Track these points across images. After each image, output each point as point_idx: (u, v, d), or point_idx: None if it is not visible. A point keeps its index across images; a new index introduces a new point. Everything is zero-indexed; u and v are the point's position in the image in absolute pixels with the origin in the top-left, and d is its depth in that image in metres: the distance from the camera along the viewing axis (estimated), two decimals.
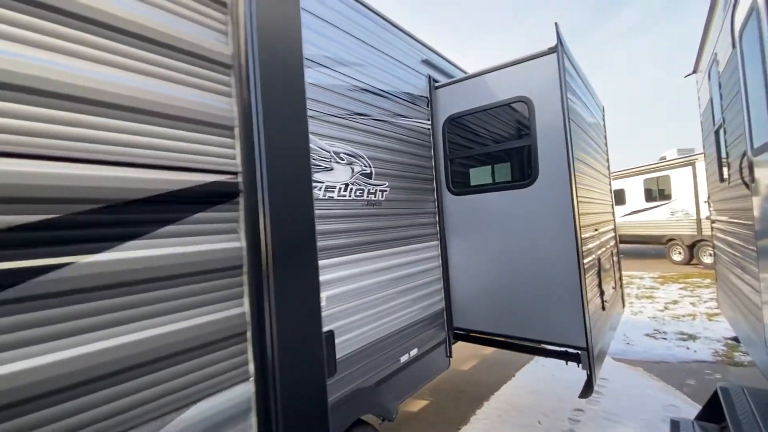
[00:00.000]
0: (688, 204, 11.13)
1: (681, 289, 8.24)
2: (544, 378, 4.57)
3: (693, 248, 11.17)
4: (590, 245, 2.98)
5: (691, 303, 7.06)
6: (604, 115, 4.76)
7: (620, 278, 4.68)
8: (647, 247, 15.09)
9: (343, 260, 2.22)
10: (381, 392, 2.42)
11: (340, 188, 2.24)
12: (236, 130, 1.40)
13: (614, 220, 4.80)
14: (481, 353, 5.43)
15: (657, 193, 12.31)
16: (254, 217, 1.39)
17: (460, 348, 5.42)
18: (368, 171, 2.48)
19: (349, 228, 2.29)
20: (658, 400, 3.92)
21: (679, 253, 11.69)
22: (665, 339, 5.43)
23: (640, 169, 12.91)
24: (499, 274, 3.06)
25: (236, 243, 1.38)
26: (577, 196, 2.65)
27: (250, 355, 1.40)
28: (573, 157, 2.66)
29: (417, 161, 3.03)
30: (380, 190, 2.57)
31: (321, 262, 2.07)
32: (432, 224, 3.16)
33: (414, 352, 2.76)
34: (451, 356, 3.26)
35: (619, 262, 4.68)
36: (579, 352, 2.70)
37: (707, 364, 4.60)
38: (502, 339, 3.19)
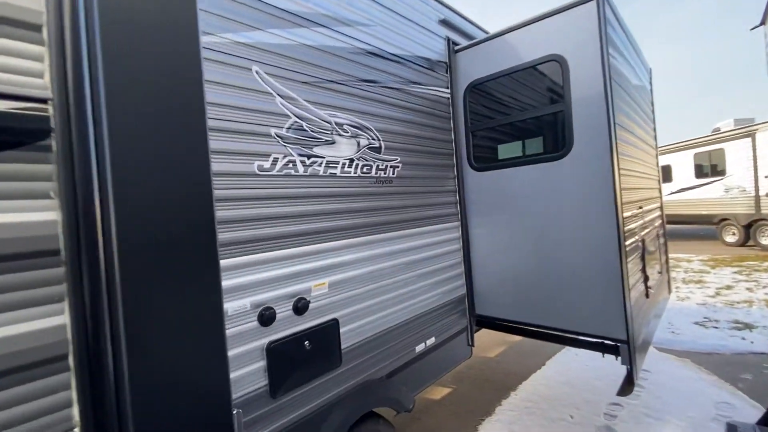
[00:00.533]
0: (746, 180, 10.10)
1: (735, 273, 7.51)
2: (577, 368, 4.27)
3: (749, 228, 10.18)
4: (633, 225, 2.62)
5: (748, 288, 6.40)
6: (651, 79, 4.22)
7: (666, 261, 4.23)
8: (695, 228, 13.98)
9: (347, 243, 2.03)
10: (394, 384, 2.25)
11: (343, 164, 2.02)
12: (46, 31, 0.86)
13: (661, 197, 4.31)
14: (509, 340, 5.16)
15: (709, 168, 11.27)
16: (78, 173, 0.87)
17: (485, 334, 5.18)
18: (377, 145, 2.24)
19: (354, 208, 2.08)
20: (708, 395, 3.53)
21: (733, 233, 10.71)
22: (717, 328, 4.93)
23: (690, 143, 11.82)
24: (526, 258, 2.77)
25: (45, 215, 0.87)
26: (618, 169, 2.29)
27: (74, 393, 0.91)
28: (615, 122, 2.29)
29: (434, 134, 2.75)
30: (391, 167, 2.33)
31: (322, 245, 1.89)
32: (451, 204, 2.90)
33: (431, 341, 2.56)
34: (473, 345, 3.04)
35: (665, 244, 4.22)
36: (618, 344, 2.39)
37: (767, 356, 4.11)
38: (529, 328, 2.92)
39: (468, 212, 3.02)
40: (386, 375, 2.22)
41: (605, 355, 2.65)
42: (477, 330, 3.19)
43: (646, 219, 3.21)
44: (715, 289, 6.52)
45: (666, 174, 12.20)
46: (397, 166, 2.37)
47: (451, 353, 2.81)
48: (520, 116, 2.79)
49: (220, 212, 1.49)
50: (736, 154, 10.41)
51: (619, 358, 2.42)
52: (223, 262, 1.50)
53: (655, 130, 4.35)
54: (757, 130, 9.89)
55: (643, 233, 2.90)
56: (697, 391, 3.61)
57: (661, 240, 3.95)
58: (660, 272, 3.64)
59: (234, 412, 1.51)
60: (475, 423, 3.35)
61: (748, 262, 8.47)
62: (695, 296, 6.24)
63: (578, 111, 2.43)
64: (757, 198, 9.85)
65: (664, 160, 12.12)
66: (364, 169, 2.14)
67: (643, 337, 2.65)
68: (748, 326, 4.86)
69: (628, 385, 2.36)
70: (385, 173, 2.28)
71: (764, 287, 6.37)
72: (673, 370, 4.00)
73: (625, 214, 2.36)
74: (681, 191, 12.03)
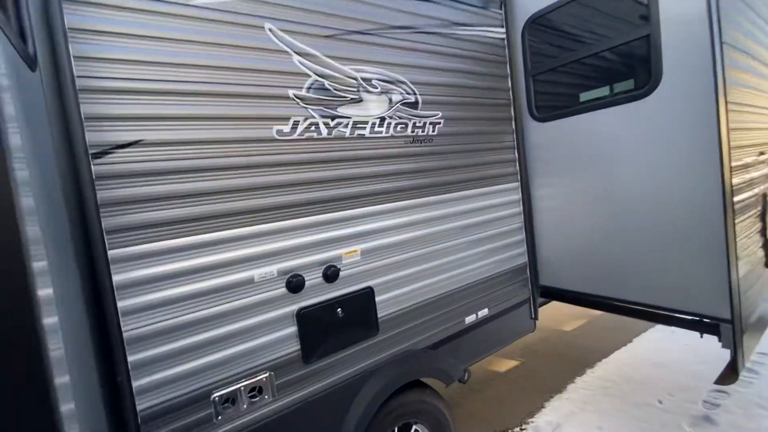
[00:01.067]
0: None
1: None
2: (672, 348, 3.69)
3: None
4: (748, 177, 2.04)
5: None
6: None
7: None
8: None
9: (380, 209, 1.90)
10: (439, 355, 2.14)
11: (373, 123, 1.87)
12: None
13: None
14: (591, 314, 4.66)
15: None
16: None
17: (562, 307, 4.79)
18: (412, 100, 2.03)
19: (387, 171, 1.93)
20: None
21: None
22: None
23: None
24: (601, 221, 2.36)
25: None
26: (726, 103, 1.77)
27: None
28: (722, 42, 1.75)
29: (486, 82, 2.41)
30: (431, 123, 2.11)
31: (351, 212, 1.80)
32: (509, 162, 2.57)
33: (483, 312, 2.37)
34: (536, 318, 2.76)
35: None
36: (719, 323, 1.94)
37: None
38: (607, 302, 2.54)
39: (530, 171, 2.66)
40: (431, 345, 2.12)
41: (704, 335, 2.20)
42: (544, 303, 2.88)
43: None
44: None
45: None
46: (439, 123, 2.14)
47: (510, 325, 2.58)
48: (591, 50, 2.29)
49: (237, 180, 1.48)
50: None
51: (721, 340, 1.97)
52: (246, 230, 1.50)
53: None
54: None
55: (764, 186, 2.26)
56: None
57: None
58: None
59: (266, 374, 1.55)
60: (543, 399, 3.11)
61: None
62: None
63: (669, 32, 1.90)
64: None
65: None
66: (398, 128, 1.96)
67: (758, 315, 2.12)
68: None
69: (730, 373, 1.92)
70: (423, 131, 2.07)
71: None
72: None
73: (736, 163, 1.84)
74: None
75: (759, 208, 2.17)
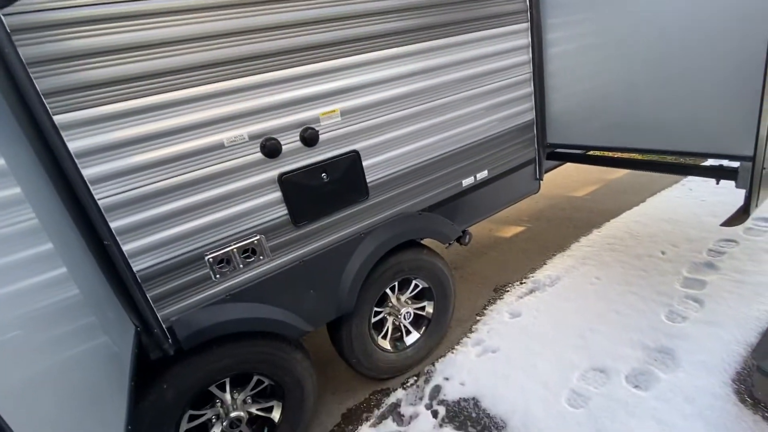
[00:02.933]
0: None
1: None
2: (687, 204, 3.60)
3: None
4: None
5: None
6: None
7: None
8: None
9: (359, 60, 1.67)
10: (433, 217, 2.13)
11: None
12: None
13: None
14: (605, 177, 4.52)
15: None
16: None
17: (576, 172, 4.67)
18: None
19: (365, 10, 1.63)
20: None
21: None
22: None
23: None
24: (624, 64, 2.05)
25: None
26: None
27: None
28: None
29: None
30: None
31: (323, 64, 1.58)
32: None
33: (482, 174, 2.27)
34: (541, 179, 2.66)
35: None
36: (738, 164, 1.78)
37: None
38: (624, 156, 2.37)
39: (543, 6, 2.24)
40: (426, 208, 2.10)
41: (720, 182, 2.07)
42: (554, 167, 2.75)
43: None
44: None
45: None
46: None
47: (511, 187, 2.51)
48: None
49: (183, 27, 1.27)
50: None
51: (737, 182, 1.84)
52: (203, 89, 1.36)
53: None
54: None
55: None
56: None
57: None
58: None
59: (256, 237, 1.59)
60: (545, 258, 3.22)
61: None
62: None
63: None
64: None
65: None
66: None
67: None
68: None
69: (741, 215, 1.83)
70: None
71: None
72: None
73: None
74: None
75: None
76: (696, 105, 1.86)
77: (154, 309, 1.42)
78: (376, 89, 1.75)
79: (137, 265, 1.37)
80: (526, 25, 2.23)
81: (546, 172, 2.74)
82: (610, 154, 2.89)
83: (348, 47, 1.63)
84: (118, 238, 1.31)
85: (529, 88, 2.36)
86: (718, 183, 2.09)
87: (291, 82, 1.53)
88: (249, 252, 1.59)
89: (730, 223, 1.87)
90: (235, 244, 1.55)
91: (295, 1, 1.46)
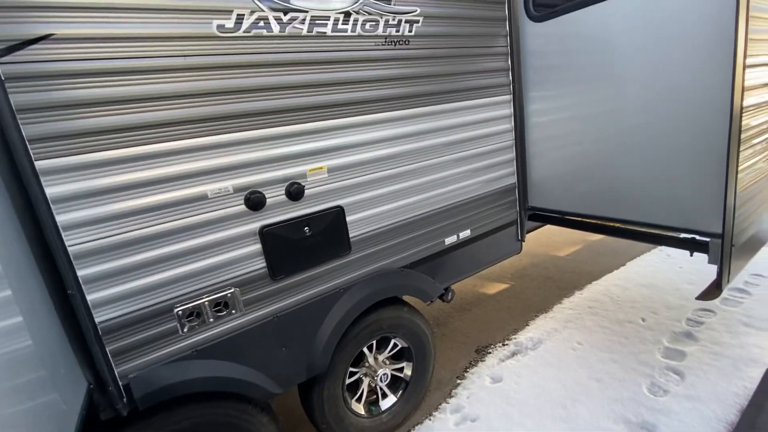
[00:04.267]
0: None
1: None
2: (665, 270, 3.68)
3: None
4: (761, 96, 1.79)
5: None
6: None
7: None
8: None
9: (348, 122, 1.74)
10: (414, 274, 2.12)
11: (336, 20, 1.63)
12: None
13: None
14: (587, 239, 4.63)
15: None
16: None
17: (556, 231, 4.74)
18: None
19: (355, 78, 1.73)
20: None
21: None
22: None
23: None
24: (597, 137, 2.18)
25: None
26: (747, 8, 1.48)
27: None
28: None
29: None
30: (407, 21, 1.84)
31: (313, 125, 1.64)
32: (500, 71, 2.31)
33: (465, 233, 2.30)
34: (523, 240, 2.70)
35: None
36: (708, 240, 1.85)
37: None
38: (600, 222, 2.44)
39: (525, 81, 2.41)
40: (407, 265, 2.09)
41: (694, 254, 2.13)
42: (536, 228, 2.81)
43: None
44: None
45: None
46: (416, 21, 1.88)
47: (494, 247, 2.53)
48: None
49: (174, 84, 1.32)
50: None
51: (709, 256, 1.89)
52: (188, 142, 1.38)
53: None
54: None
55: None
56: None
57: None
58: None
59: (230, 290, 1.54)
60: (527, 318, 3.19)
61: None
62: None
63: None
64: None
65: None
66: (367, 26, 1.72)
67: (752, 233, 2.01)
68: None
69: (714, 289, 1.87)
70: (398, 30, 1.82)
71: None
72: None
73: (752, 77, 1.59)
74: None
75: None
76: (668, 180, 1.96)
77: (112, 364, 1.33)
78: (364, 149, 1.81)
79: (100, 317, 1.30)
80: (510, 97, 2.38)
81: (528, 232, 2.79)
82: (589, 219, 2.98)
83: (339, 110, 1.70)
84: (83, 287, 1.25)
85: (512, 154, 2.47)
86: (692, 255, 2.15)
87: (281, 139, 1.57)
88: (221, 305, 1.54)
89: (704, 297, 1.90)
90: (207, 297, 1.50)
91: (279, 66, 1.53)
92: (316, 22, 1.58)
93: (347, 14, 1.65)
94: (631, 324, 2.90)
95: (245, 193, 1.52)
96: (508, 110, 2.40)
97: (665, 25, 1.77)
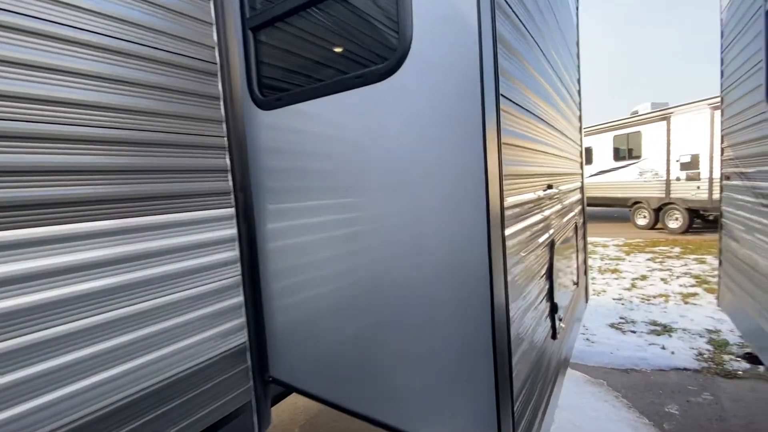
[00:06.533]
0: (659, 164, 10.09)
1: (649, 260, 7.16)
2: None
3: (659, 212, 10.28)
4: (530, 222, 1.39)
5: (662, 279, 5.94)
6: (577, 11, 3.10)
7: (585, 261, 3.25)
8: (611, 210, 14.24)
9: None
10: None
11: None
12: None
13: (582, 181, 3.27)
14: None
15: (626, 152, 11.20)
16: None
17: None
18: None
19: None
20: None
21: (644, 216, 10.81)
22: (634, 332, 4.20)
23: (610, 125, 11.66)
24: (335, 286, 1.45)
25: None
26: (498, 90, 1.02)
27: None
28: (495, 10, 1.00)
29: (163, 21, 1.27)
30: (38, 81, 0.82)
31: None
32: (215, 173, 1.47)
33: None
34: (268, 424, 1.70)
35: (584, 238, 3.23)
36: None
37: (690, 373, 3.36)
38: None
39: (257, 188, 1.62)
40: None
41: None
42: (281, 400, 1.87)
43: (560, 210, 2.06)
44: (630, 279, 5.99)
45: (587, 156, 12.03)
46: (68, 84, 0.87)
47: None
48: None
49: None
50: (651, 138, 10.34)
51: None
52: None
53: (580, 93, 3.25)
54: (672, 113, 9.78)
55: (548, 236, 1.69)
56: None
57: (579, 235, 2.91)
58: (576, 283, 2.59)
59: None
60: None
61: (659, 247, 8.29)
62: (611, 289, 5.61)
63: None
64: (668, 182, 9.87)
65: (585, 142, 11.89)
66: None
67: (541, 424, 1.48)
68: (667, 329, 4.19)
69: None
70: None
71: (678, 277, 5.95)
72: (585, 403, 3.07)
73: (511, 205, 1.12)
74: (600, 174, 11.96)
75: (545, 261, 1.57)
76: (419, 368, 1.30)
77: None
78: None
79: None
80: (232, 210, 1.54)
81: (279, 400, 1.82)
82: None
83: None
84: None
85: (239, 297, 1.56)
86: None
87: None
88: None
89: None
90: None
91: None
92: None
93: None
94: None
95: None
96: (231, 230, 1.54)
97: (388, 124, 1.23)
